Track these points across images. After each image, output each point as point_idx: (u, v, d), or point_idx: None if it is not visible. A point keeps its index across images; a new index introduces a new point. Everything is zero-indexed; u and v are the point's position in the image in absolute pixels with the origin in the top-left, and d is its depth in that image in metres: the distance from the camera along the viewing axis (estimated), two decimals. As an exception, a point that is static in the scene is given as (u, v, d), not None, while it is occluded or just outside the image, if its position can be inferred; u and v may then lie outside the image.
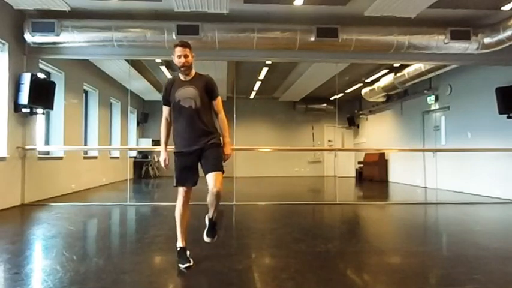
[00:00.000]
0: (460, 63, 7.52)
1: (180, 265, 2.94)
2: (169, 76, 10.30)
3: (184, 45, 3.01)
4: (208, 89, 3.06)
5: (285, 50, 6.57)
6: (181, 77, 3.09)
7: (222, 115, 3.13)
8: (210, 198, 2.99)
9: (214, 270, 2.93)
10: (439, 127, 9.74)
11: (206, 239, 3.10)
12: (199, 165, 3.07)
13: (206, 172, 2.99)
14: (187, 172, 3.04)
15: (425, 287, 2.73)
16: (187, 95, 3.01)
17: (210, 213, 3.07)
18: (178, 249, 3.05)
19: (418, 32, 6.30)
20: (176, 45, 3.02)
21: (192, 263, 2.94)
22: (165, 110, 3.14)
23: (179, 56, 2.99)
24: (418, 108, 10.49)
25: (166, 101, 3.11)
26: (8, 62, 5.92)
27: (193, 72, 3.09)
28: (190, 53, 3.02)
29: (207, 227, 3.10)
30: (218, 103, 3.13)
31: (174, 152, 3.08)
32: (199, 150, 3.02)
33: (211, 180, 2.96)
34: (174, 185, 3.07)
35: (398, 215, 6.24)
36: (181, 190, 3.07)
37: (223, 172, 3.02)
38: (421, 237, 4.53)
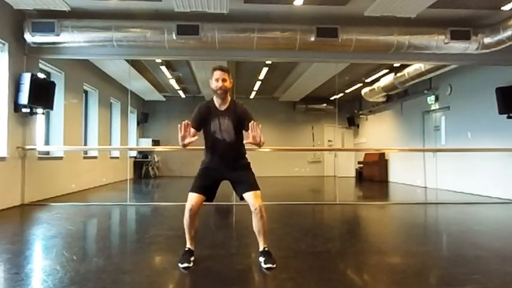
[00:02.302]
0: (460, 63, 7.51)
1: (179, 264, 2.93)
2: (169, 76, 10.33)
3: (223, 69, 3.01)
4: (242, 120, 3.01)
5: (285, 50, 6.56)
6: (217, 104, 3.05)
7: None
8: (255, 221, 2.97)
9: (214, 270, 2.93)
10: (439, 127, 9.74)
11: (267, 266, 2.90)
12: (219, 185, 3.05)
13: (243, 191, 2.97)
14: (207, 181, 2.99)
15: (425, 287, 2.73)
16: (222, 127, 3.00)
17: (262, 244, 3.03)
18: (186, 249, 3.04)
19: (418, 32, 6.30)
20: (215, 69, 3.01)
21: (191, 265, 2.92)
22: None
23: (217, 80, 2.97)
24: (418, 108, 10.49)
25: (195, 124, 2.97)
26: (8, 62, 5.91)
27: (228, 98, 3.07)
28: (229, 79, 3.01)
29: (264, 257, 2.95)
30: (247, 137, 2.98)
31: (200, 168, 3.08)
32: (229, 169, 3.01)
33: (251, 198, 2.93)
34: (190, 189, 2.97)
35: (399, 215, 6.23)
36: (192, 199, 2.93)
37: (259, 190, 3.01)
38: (421, 237, 4.53)
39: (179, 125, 2.80)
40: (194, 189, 2.96)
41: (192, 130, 2.92)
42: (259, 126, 2.84)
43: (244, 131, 3.03)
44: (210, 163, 3.08)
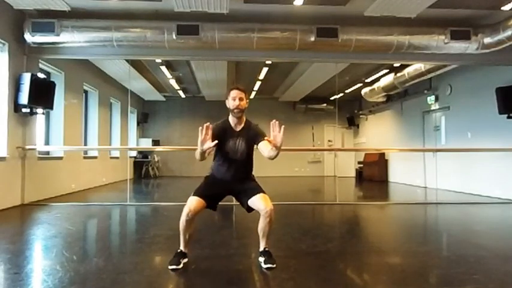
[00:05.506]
0: (460, 63, 7.51)
1: (168, 265, 2.88)
2: (169, 76, 10.32)
3: (240, 89, 3.04)
4: (257, 138, 3.02)
5: (285, 50, 6.56)
6: (232, 124, 3.06)
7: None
8: (262, 224, 2.95)
9: (214, 270, 2.93)
10: (439, 127, 9.74)
11: (267, 266, 2.90)
12: (223, 198, 3.07)
13: (250, 196, 2.95)
14: (211, 188, 3.00)
15: (425, 287, 2.73)
16: (237, 148, 3.03)
17: (263, 244, 3.03)
18: (178, 251, 2.98)
19: (418, 32, 6.29)
20: (232, 89, 3.05)
21: (179, 267, 2.86)
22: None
23: (234, 98, 2.99)
24: (418, 108, 10.49)
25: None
26: (8, 62, 5.91)
27: (243, 119, 3.10)
28: (246, 98, 3.03)
29: (264, 257, 2.96)
30: (266, 143, 2.87)
31: (206, 176, 3.11)
32: (235, 182, 3.04)
33: (261, 201, 2.91)
34: (193, 193, 2.94)
35: (398, 215, 6.23)
36: (191, 203, 2.84)
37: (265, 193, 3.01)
38: (421, 237, 4.53)
39: (200, 128, 2.73)
40: (196, 193, 2.93)
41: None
42: (281, 126, 2.73)
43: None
44: (219, 174, 3.09)
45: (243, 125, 3.09)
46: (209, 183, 3.07)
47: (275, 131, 2.74)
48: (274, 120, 2.77)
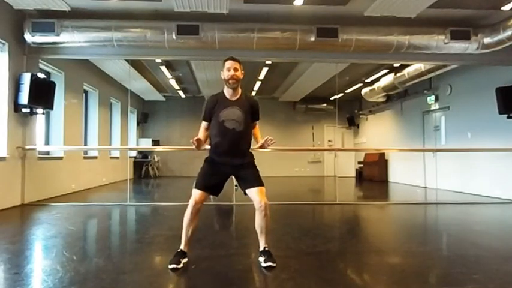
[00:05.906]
0: (460, 63, 7.52)
1: (168, 264, 2.88)
2: (169, 76, 10.32)
3: (234, 59, 3.04)
4: (253, 112, 3.07)
5: (285, 50, 6.56)
6: (227, 95, 3.04)
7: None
8: (258, 219, 2.97)
9: (214, 270, 2.93)
10: (439, 127, 9.73)
11: (267, 264, 2.90)
12: (226, 182, 3.10)
13: (249, 187, 2.97)
14: (212, 179, 3.00)
15: (425, 287, 2.73)
16: (232, 116, 2.98)
17: (262, 243, 3.02)
18: (179, 250, 2.99)
19: (418, 32, 6.30)
20: (227, 59, 3.03)
21: (179, 267, 2.87)
22: (204, 125, 3.06)
23: (228, 69, 2.98)
24: (418, 108, 10.49)
25: (207, 116, 3.04)
26: (8, 62, 5.91)
27: (239, 90, 3.06)
28: (240, 69, 3.02)
29: (264, 257, 2.95)
30: (256, 125, 3.21)
31: (206, 158, 3.09)
32: (234, 168, 3.03)
33: (257, 194, 2.93)
34: (195, 185, 2.97)
35: (398, 215, 6.23)
36: (196, 195, 2.93)
37: (264, 186, 3.02)
38: (421, 237, 4.53)
39: (191, 141, 2.89)
40: (199, 186, 2.96)
41: (205, 135, 3.04)
42: (274, 142, 2.99)
43: (254, 139, 3.15)
44: (216, 155, 3.05)
45: (238, 95, 3.07)
46: (208, 172, 3.03)
47: (266, 143, 2.98)
48: (269, 138, 2.96)
